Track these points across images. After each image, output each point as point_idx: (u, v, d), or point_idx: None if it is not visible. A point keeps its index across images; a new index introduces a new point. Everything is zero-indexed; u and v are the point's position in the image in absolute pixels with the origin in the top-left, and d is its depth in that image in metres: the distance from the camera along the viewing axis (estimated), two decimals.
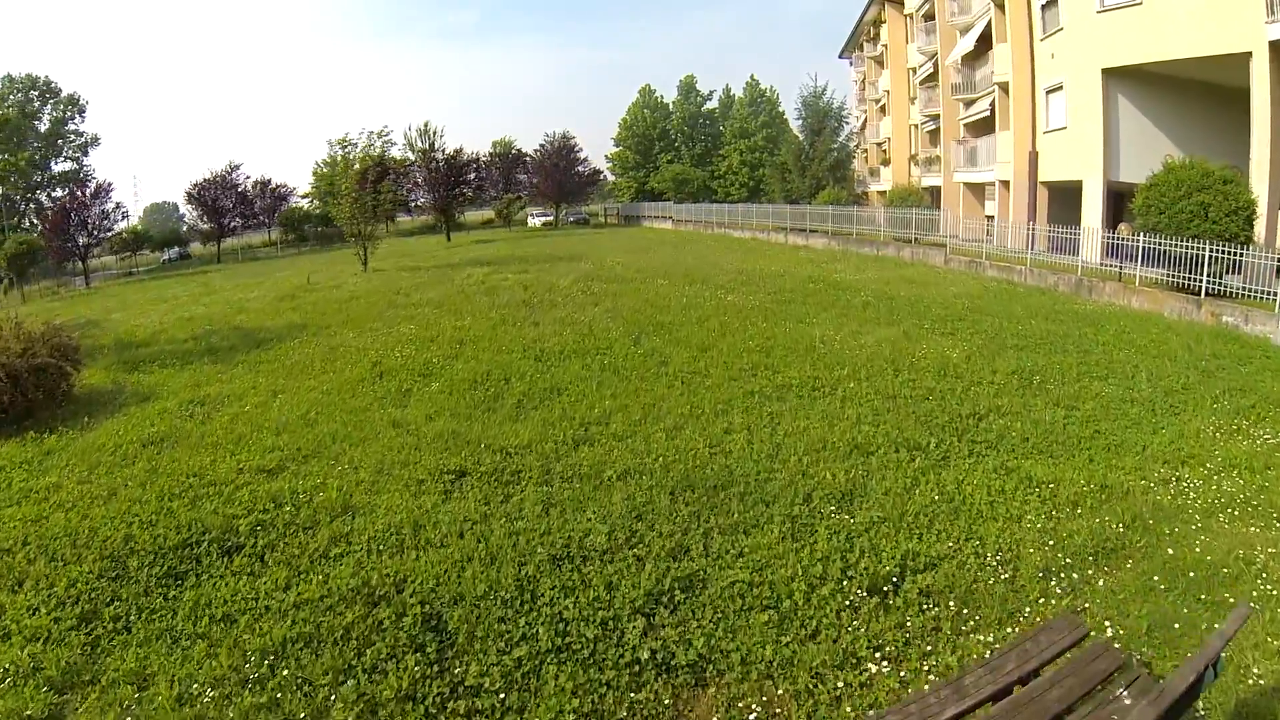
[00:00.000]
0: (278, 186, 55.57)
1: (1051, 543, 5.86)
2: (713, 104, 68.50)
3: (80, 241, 44.99)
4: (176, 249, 58.96)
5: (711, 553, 5.69)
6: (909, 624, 4.86)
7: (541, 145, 59.95)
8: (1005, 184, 30.19)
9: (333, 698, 4.45)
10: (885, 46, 46.90)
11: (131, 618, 5.47)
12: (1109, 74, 21.82)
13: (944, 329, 13.64)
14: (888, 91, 46.84)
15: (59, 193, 57.25)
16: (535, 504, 6.53)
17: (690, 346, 12.12)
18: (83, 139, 63.66)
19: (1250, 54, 16.48)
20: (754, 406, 9.11)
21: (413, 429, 8.85)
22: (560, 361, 11.46)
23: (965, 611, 4.99)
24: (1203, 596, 5.09)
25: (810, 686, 4.36)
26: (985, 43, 31.68)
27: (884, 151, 47.64)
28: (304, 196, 59.57)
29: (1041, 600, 5.14)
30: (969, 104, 34.83)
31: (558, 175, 57.51)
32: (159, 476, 8.31)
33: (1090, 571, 5.48)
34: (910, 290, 18.31)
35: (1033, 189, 27.98)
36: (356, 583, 5.55)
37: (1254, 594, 5.10)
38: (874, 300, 16.58)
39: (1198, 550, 5.67)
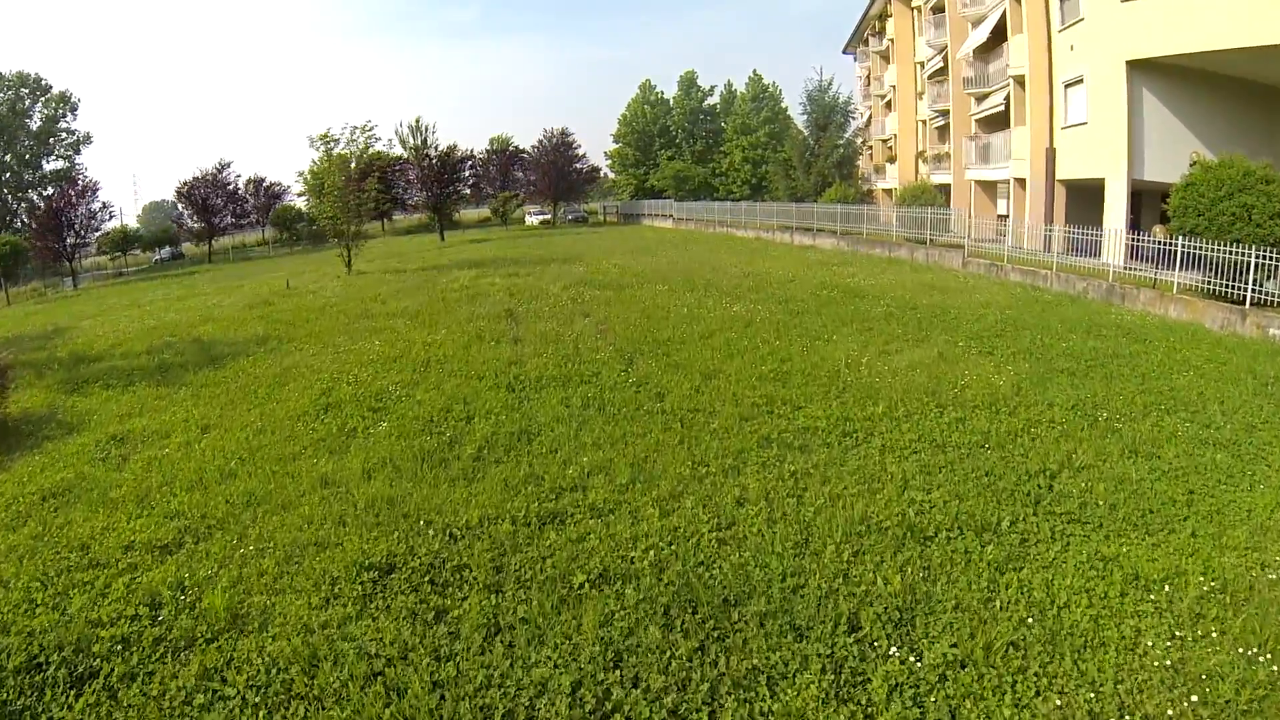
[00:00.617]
0: (271, 185, 53.73)
1: (1187, 690, 4.03)
2: (714, 100, 66.20)
3: (67, 242, 43.12)
4: (168, 248, 57.11)
5: None
6: None
7: (539, 142, 57.78)
8: (1020, 182, 28.31)
9: None
10: (891, 41, 44.93)
11: None
12: (1134, 66, 20.06)
13: (980, 346, 11.76)
14: (894, 87, 44.88)
15: (51, 191, 55.34)
16: (476, 628, 4.62)
17: (692, 373, 10.19)
18: (75, 137, 61.89)
19: None
20: (772, 462, 7.20)
21: (345, 490, 6.96)
22: (536, 392, 9.54)
23: None
24: None
25: None
26: (999, 35, 29.84)
27: (889, 148, 45.69)
28: (300, 195, 57.68)
29: None
30: (981, 98, 32.94)
31: (555, 172, 55.26)
32: (42, 549, 6.56)
33: None
34: (932, 298, 16.42)
35: (1050, 187, 26.16)
36: None
37: None
38: (896, 311, 14.68)
39: None
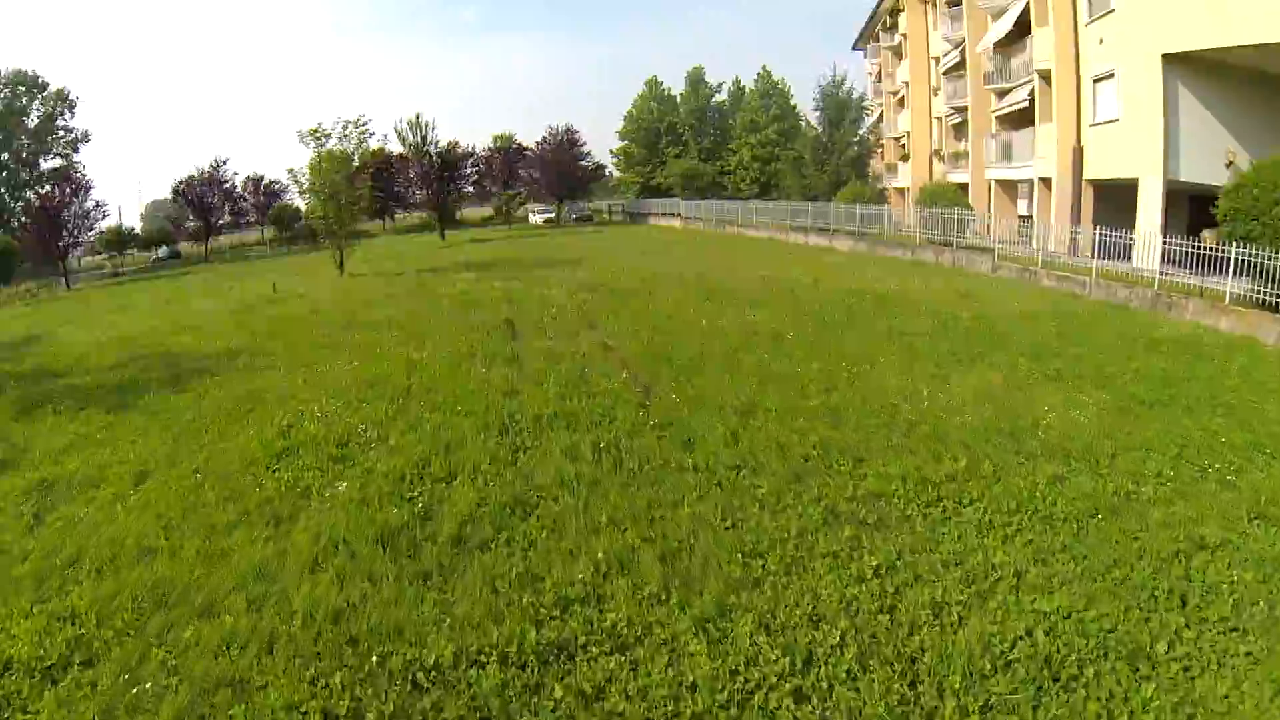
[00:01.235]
0: (271, 183, 51.80)
1: None
2: (722, 96, 63.67)
3: (59, 242, 41.29)
4: (165, 248, 55.25)
5: None
6: None
7: (543, 138, 55.49)
8: (1046, 181, 26.53)
9: None
10: (904, 36, 42.96)
11: None
12: (1169, 61, 18.46)
13: (1042, 369, 9.99)
14: (906, 83, 42.94)
15: (46, 190, 53.46)
16: None
17: (723, 410, 8.35)
18: (72, 135, 59.96)
19: None
20: (845, 551, 5.37)
21: (281, 590, 5.13)
22: (535, 437, 7.68)
23: None
24: None
25: None
26: (1022, 28, 28.00)
27: (902, 146, 43.76)
28: (302, 194, 55.75)
29: None
30: (1002, 94, 31.11)
31: (560, 170, 52.98)
32: None
33: None
34: (970, 308, 14.65)
35: (1077, 187, 24.46)
36: None
37: None
38: (937, 325, 12.87)
39: None
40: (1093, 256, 17.20)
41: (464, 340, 12.21)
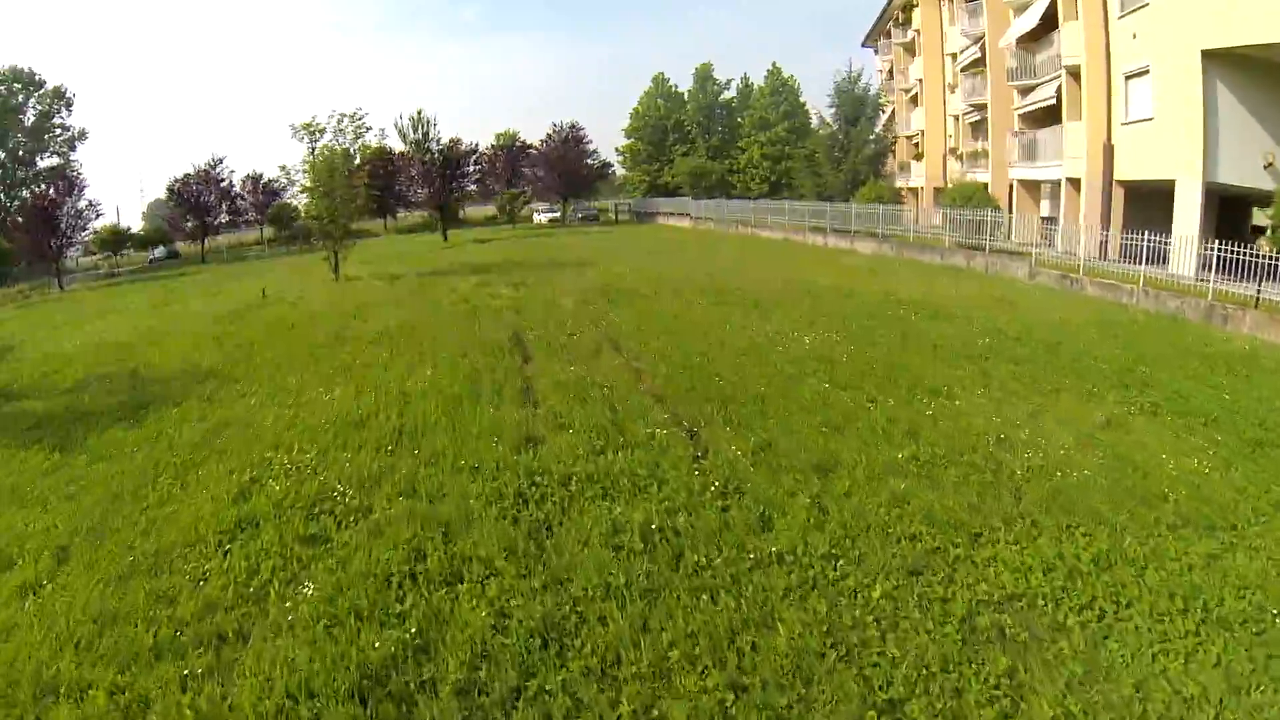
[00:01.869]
0: (270, 182, 49.68)
1: None
2: (730, 93, 60.97)
3: (52, 243, 39.31)
4: (163, 247, 53.19)
5: None
6: None
7: (548, 136, 53.10)
8: (1073, 182, 24.76)
9: None
10: (918, 32, 41.03)
11: None
12: (1209, 57, 17.04)
13: (1136, 402, 8.39)
14: (920, 80, 41.01)
15: (49, 189, 51.41)
16: None
17: (796, 464, 6.54)
18: (69, 133, 57.77)
19: None
20: (1003, 693, 3.71)
21: None
22: (564, 511, 5.82)
23: None
24: None
25: None
26: (1049, 22, 26.18)
27: (915, 145, 41.87)
28: (303, 192, 53.67)
29: None
30: (1026, 91, 29.30)
31: (565, 168, 50.58)
32: None
33: None
34: (1019, 320, 13.00)
35: (1108, 188, 22.75)
36: None
37: None
38: (997, 343, 11.16)
39: None
40: (1141, 262, 15.70)
41: (467, 362, 10.38)
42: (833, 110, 33.94)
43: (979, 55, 32.74)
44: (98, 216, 43.15)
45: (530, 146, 55.09)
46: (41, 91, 57.29)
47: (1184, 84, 17.75)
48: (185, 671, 4.23)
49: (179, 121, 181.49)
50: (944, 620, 4.44)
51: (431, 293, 18.02)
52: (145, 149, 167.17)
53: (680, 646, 4.14)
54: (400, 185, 50.80)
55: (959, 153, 35.59)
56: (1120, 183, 22.34)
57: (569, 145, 51.50)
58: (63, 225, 39.96)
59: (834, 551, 5.26)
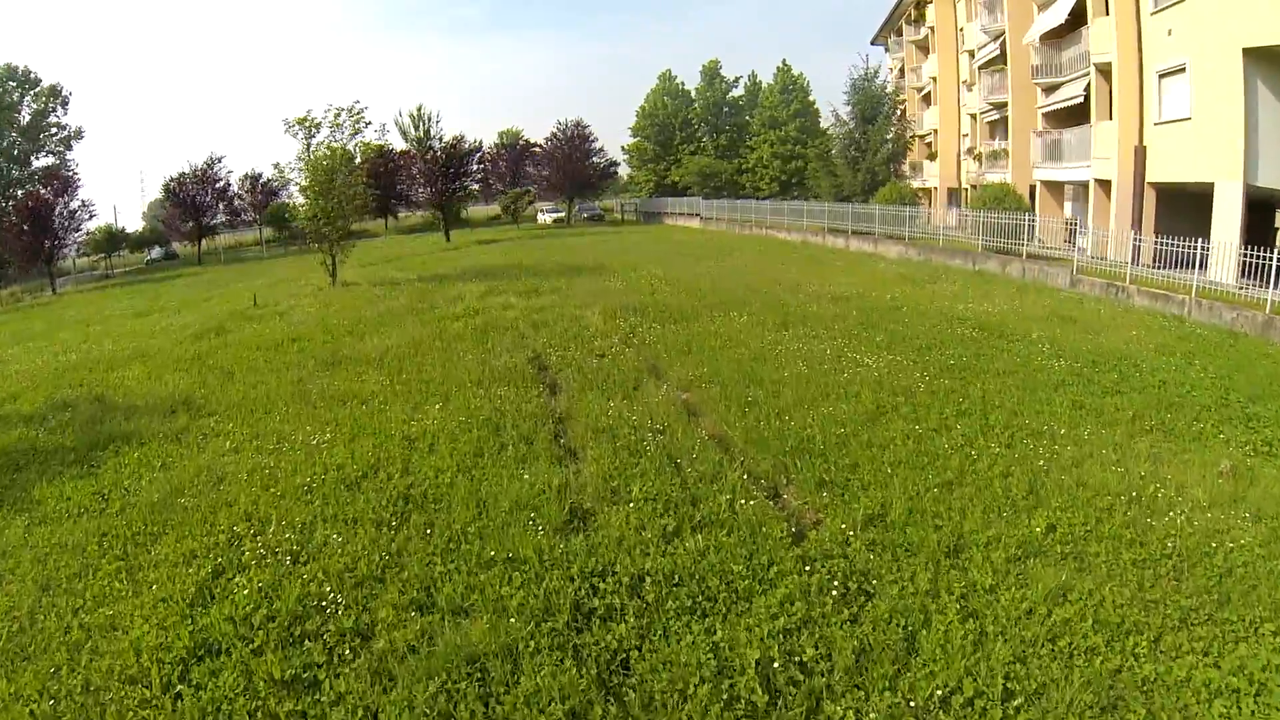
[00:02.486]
0: (268, 181, 47.68)
1: None
2: (738, 91, 58.58)
3: (45, 244, 37.33)
4: (159, 248, 51.16)
5: None
6: None
7: (552, 134, 50.92)
8: (1102, 184, 23.19)
9: None
10: (931, 29, 39.29)
11: None
12: (1251, 55, 15.81)
13: (1245, 441, 7.09)
14: (934, 78, 39.29)
15: (41, 190, 49.35)
16: None
17: (918, 546, 4.90)
18: (65, 132, 55.62)
19: None
20: None
21: None
22: (643, 642, 4.00)
23: None
24: None
25: None
26: (1077, 17, 24.54)
27: (928, 145, 40.13)
28: (300, 192, 51.57)
29: None
30: (1050, 89, 27.73)
31: (570, 167, 48.38)
32: None
33: None
34: (1087, 339, 11.40)
35: (1139, 191, 21.27)
36: None
37: None
38: (1075, 368, 9.57)
39: None
40: (1178, 268, 14.65)
41: (483, 396, 8.58)
42: (849, 108, 32.11)
43: (998, 52, 31.14)
44: (91, 217, 41.11)
45: (534, 145, 53.08)
46: (37, 90, 55.19)
47: (1224, 83, 16.51)
48: None
49: (185, 121, 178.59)
50: None
51: (436, 303, 16.22)
52: (151, 149, 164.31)
53: None
54: (402, 184, 48.79)
55: (976, 153, 33.89)
56: (1153, 185, 20.87)
57: (574, 143, 49.36)
58: (55, 226, 37.98)
59: (1009, 685, 3.66)
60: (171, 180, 45.10)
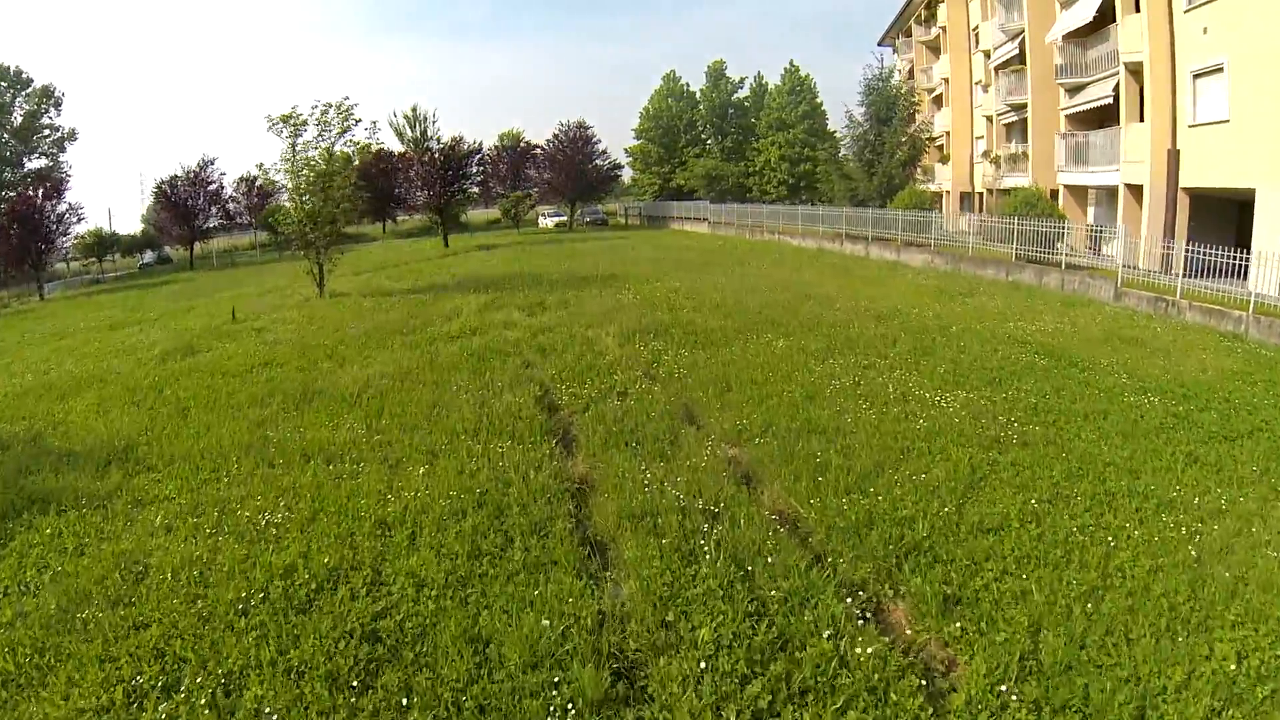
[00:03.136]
0: (263, 185, 45.76)
1: None
2: (743, 92, 56.26)
3: (33, 248, 35.42)
4: (152, 252, 49.16)
5: None
6: None
7: (554, 136, 48.54)
8: (1132, 189, 21.63)
9: None
10: (943, 29, 37.67)
11: None
12: None
13: None
14: (945, 79, 37.67)
15: (33, 193, 47.35)
16: None
17: (1095, 709, 3.18)
18: (58, 134, 53.64)
19: None
20: None
21: None
22: None
23: None
24: None
25: None
26: (1104, 15, 22.93)
27: (940, 148, 38.43)
28: (290, 198, 49.55)
29: None
30: (1075, 90, 26.11)
31: (573, 169, 46.16)
32: None
33: None
34: (1151, 364, 9.86)
35: (1173, 196, 19.77)
36: None
37: None
38: (1167, 406, 8.01)
39: None
40: (1216, 278, 13.42)
41: (479, 455, 6.76)
42: (863, 109, 30.37)
43: (1017, 52, 29.53)
44: (79, 220, 39.11)
45: (536, 147, 51.08)
46: (29, 91, 53.21)
47: (1265, 83, 15.20)
48: None
49: (188, 126, 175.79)
50: None
51: (430, 319, 14.42)
52: (154, 152, 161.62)
53: None
54: (399, 187, 46.84)
55: (994, 156, 32.19)
56: (1186, 190, 19.31)
57: (577, 145, 47.29)
58: (43, 230, 36.06)
59: None
60: (163, 183, 43.14)
